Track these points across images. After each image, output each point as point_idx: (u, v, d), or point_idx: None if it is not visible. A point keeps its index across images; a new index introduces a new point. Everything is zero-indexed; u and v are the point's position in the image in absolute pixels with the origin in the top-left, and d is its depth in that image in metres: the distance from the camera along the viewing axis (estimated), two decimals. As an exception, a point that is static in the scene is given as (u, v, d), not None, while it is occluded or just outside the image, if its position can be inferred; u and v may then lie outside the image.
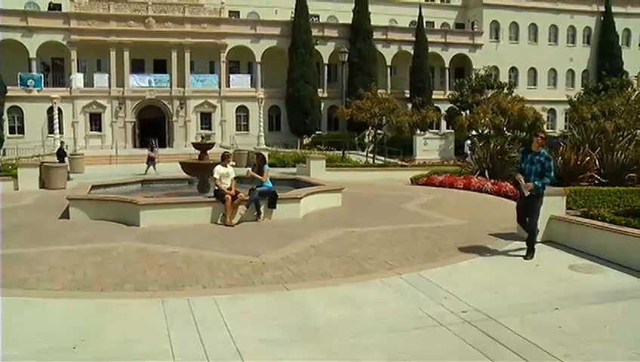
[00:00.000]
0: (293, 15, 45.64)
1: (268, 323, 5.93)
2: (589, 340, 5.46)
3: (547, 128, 47.75)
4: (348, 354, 5.16)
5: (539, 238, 9.69)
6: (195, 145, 15.50)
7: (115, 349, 5.25)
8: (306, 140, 43.59)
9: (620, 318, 6.15)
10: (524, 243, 8.87)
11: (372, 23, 46.88)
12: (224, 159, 12.41)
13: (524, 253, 8.78)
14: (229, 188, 11.82)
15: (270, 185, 12.52)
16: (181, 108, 44.57)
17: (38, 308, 6.41)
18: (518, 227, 9.33)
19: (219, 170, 12.00)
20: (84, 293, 6.93)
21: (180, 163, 14.85)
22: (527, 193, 8.40)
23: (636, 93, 11.72)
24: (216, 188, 11.90)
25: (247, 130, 45.72)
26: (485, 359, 5.01)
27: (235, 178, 12.37)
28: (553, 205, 9.71)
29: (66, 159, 24.72)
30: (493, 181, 16.80)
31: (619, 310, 6.43)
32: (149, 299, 6.73)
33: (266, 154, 12.73)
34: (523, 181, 8.43)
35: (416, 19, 49.27)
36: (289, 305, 6.57)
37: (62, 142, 26.87)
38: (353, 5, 47.10)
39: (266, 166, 12.88)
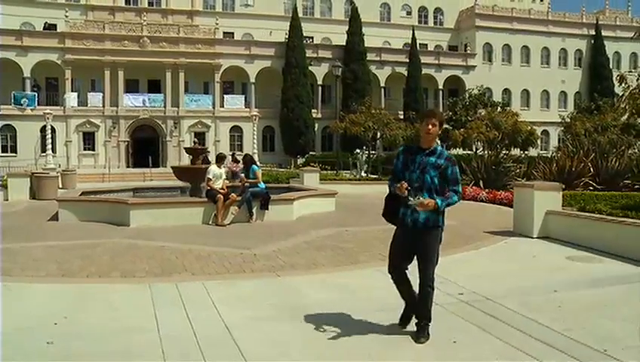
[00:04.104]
0: (287, 36, 45.92)
1: (257, 304, 5.75)
2: (590, 317, 5.30)
3: (540, 149, 47.97)
4: (338, 328, 4.96)
5: (535, 233, 9.56)
6: (187, 150, 15.35)
7: (99, 325, 5.04)
8: (300, 160, 43.43)
9: (619, 299, 6.01)
10: (521, 238, 8.70)
11: (366, 45, 47.24)
12: (220, 160, 12.31)
13: (522, 248, 8.57)
14: (221, 189, 11.68)
15: (263, 186, 12.36)
16: (175, 128, 44.47)
17: (22, 292, 6.19)
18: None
19: (213, 170, 11.86)
20: (69, 279, 6.75)
21: (172, 168, 14.70)
22: (421, 218, 4.52)
23: (630, 88, 11.57)
24: (209, 188, 11.74)
25: (241, 150, 45.46)
26: (482, 331, 4.84)
27: (229, 186, 12.34)
28: (550, 200, 9.59)
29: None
30: (487, 190, 16.81)
31: (618, 292, 6.29)
32: (136, 284, 6.54)
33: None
34: (413, 198, 4.39)
35: (410, 41, 49.70)
36: (279, 288, 6.39)
37: (207, 149, 25.44)
38: (347, 27, 47.51)
39: (254, 166, 12.57)
